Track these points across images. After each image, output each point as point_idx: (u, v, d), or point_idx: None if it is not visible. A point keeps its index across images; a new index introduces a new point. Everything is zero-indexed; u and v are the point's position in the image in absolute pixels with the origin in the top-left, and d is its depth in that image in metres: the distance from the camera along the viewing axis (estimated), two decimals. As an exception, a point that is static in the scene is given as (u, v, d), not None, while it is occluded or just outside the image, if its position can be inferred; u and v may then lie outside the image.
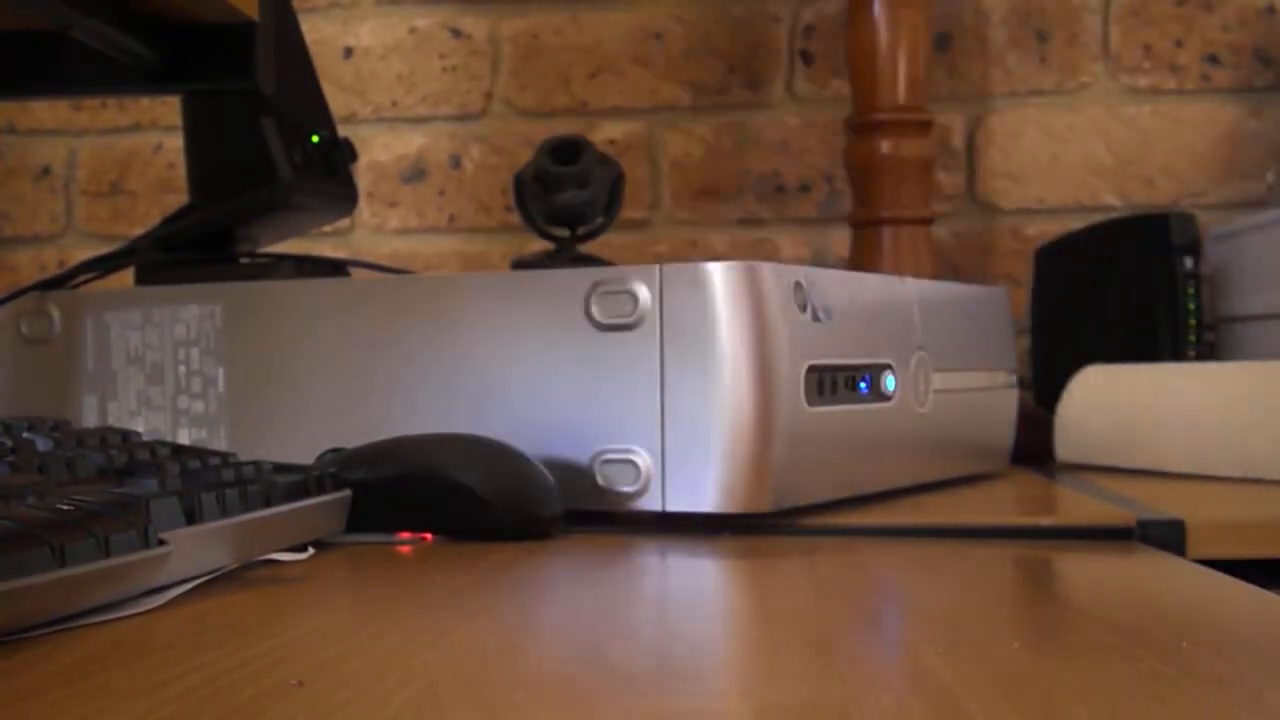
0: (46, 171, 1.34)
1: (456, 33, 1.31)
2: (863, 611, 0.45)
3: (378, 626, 0.41)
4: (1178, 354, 1.06)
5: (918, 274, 1.07)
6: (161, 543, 0.45)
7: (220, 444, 0.73)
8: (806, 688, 0.33)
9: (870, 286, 0.72)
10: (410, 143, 1.31)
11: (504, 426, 0.66)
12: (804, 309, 0.66)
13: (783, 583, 0.52)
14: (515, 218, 1.27)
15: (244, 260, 0.87)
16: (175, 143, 1.32)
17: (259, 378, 0.73)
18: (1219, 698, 0.32)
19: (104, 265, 0.87)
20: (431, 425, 0.68)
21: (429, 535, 0.62)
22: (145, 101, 1.33)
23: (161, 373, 0.75)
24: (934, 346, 0.77)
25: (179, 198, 1.04)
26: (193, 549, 0.47)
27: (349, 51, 1.32)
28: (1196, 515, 0.65)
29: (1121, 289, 1.11)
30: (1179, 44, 1.26)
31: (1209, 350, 1.13)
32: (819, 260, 1.27)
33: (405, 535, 0.62)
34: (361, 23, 1.32)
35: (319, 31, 1.31)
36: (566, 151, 0.89)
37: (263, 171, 0.84)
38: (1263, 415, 0.84)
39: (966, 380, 0.81)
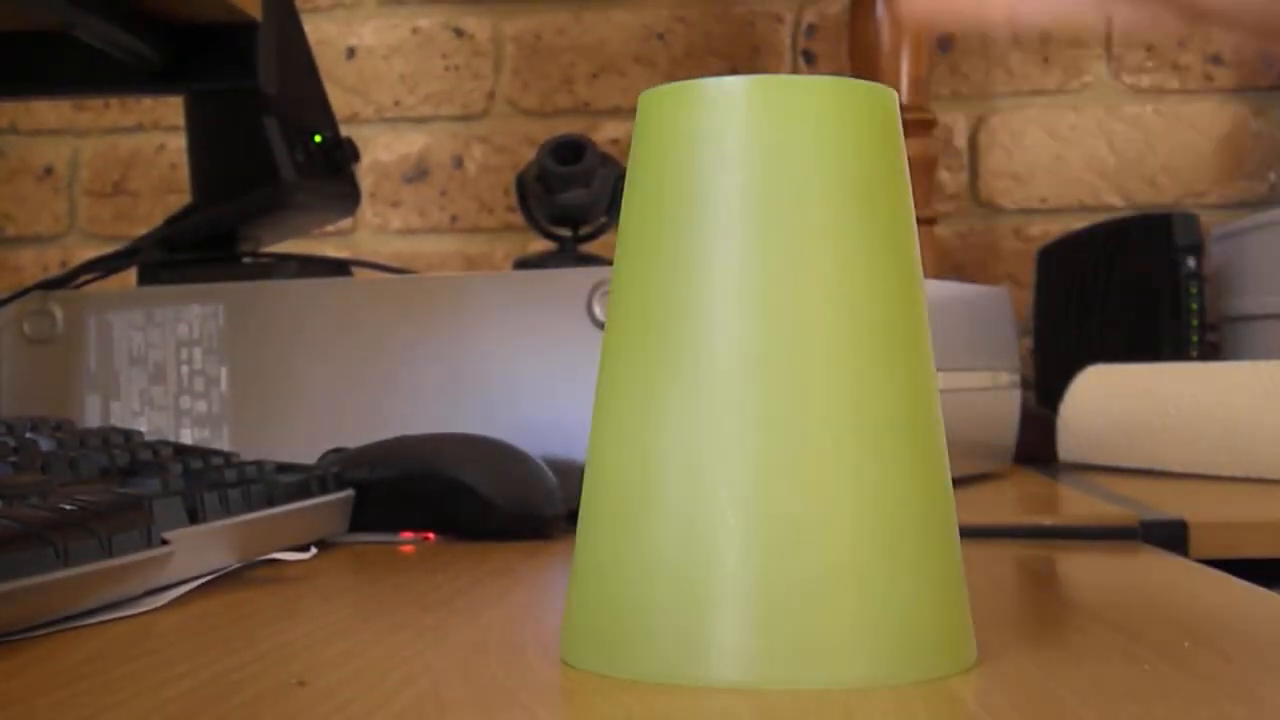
0: (49, 171, 1.34)
1: (459, 32, 1.31)
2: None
3: (380, 626, 0.41)
4: (1180, 354, 1.06)
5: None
6: (164, 542, 0.45)
7: (223, 444, 0.73)
8: (808, 687, 0.33)
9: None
10: (412, 142, 1.31)
11: (506, 426, 0.66)
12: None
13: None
14: (517, 218, 1.27)
15: (246, 260, 0.87)
16: (178, 143, 1.32)
17: (261, 377, 0.73)
18: (1221, 696, 0.32)
19: (107, 265, 0.87)
20: (434, 425, 0.68)
21: (431, 535, 0.62)
22: (148, 102, 1.33)
23: (164, 372, 0.75)
24: (936, 346, 0.76)
25: (181, 198, 1.04)
26: (195, 549, 0.47)
27: (351, 51, 1.32)
28: (1198, 515, 0.65)
29: (1124, 289, 1.11)
30: (1181, 43, 1.26)
31: (1211, 350, 1.13)
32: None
33: (408, 535, 0.62)
34: (364, 23, 1.32)
35: (321, 31, 1.31)
36: (569, 151, 0.89)
37: (265, 171, 0.84)
38: (1265, 415, 0.84)
39: (969, 380, 0.81)
